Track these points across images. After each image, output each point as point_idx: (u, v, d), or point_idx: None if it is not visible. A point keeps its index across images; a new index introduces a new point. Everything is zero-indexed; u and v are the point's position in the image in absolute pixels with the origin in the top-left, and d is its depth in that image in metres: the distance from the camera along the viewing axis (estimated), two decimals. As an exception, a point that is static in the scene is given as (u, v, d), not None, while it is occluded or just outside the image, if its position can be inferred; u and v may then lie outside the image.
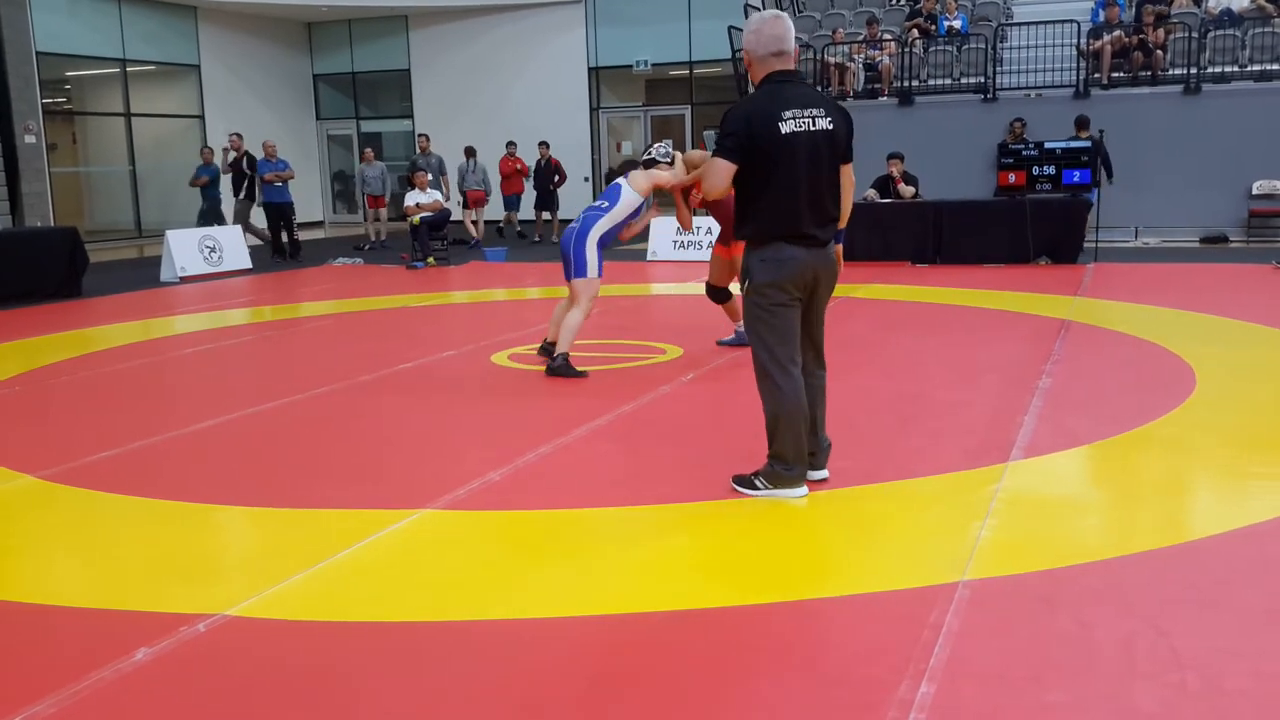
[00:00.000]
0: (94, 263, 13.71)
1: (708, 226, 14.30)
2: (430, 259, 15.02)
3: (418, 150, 17.98)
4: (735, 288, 7.74)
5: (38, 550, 4.39)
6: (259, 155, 16.74)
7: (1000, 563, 3.86)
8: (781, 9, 19.46)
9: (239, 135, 17.19)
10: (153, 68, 21.66)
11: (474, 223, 18.29)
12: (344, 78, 24.86)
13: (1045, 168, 13.09)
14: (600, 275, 7.26)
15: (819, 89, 17.09)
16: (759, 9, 18.85)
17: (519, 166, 18.70)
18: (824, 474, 4.75)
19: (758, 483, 4.63)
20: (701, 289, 7.93)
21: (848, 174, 4.52)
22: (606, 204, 7.31)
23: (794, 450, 4.54)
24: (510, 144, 18.92)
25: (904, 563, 3.97)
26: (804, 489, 4.60)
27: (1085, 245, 13.04)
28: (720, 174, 4.37)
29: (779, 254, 4.38)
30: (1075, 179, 13.02)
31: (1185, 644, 3.19)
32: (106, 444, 5.83)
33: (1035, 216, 12.85)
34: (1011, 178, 13.21)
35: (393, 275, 14.24)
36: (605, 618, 3.52)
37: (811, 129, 4.33)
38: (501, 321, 10.22)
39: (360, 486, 5.02)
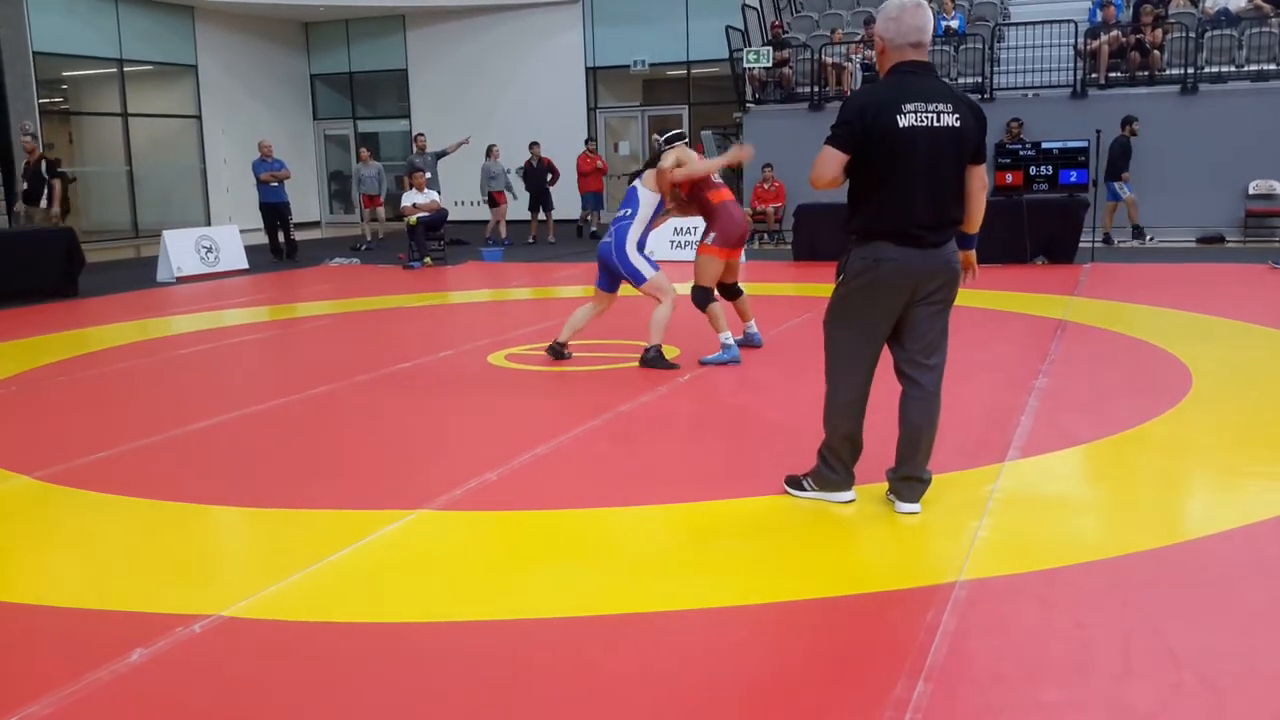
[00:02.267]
0: (90, 263, 13.69)
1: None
2: (427, 259, 15.02)
3: (415, 150, 17.93)
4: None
5: (33, 551, 4.38)
6: (256, 155, 16.69)
7: (997, 562, 3.86)
8: (778, 8, 19.48)
9: (32, 137, 15.57)
10: (150, 68, 21.65)
11: (497, 223, 18.19)
12: (341, 77, 24.85)
13: (1042, 168, 13.11)
14: (657, 270, 7.42)
15: (816, 89, 17.17)
16: (756, 10, 18.86)
17: (599, 164, 18.75)
18: (915, 508, 4.35)
19: (805, 484, 4.57)
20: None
21: (978, 175, 4.25)
22: (630, 211, 7.39)
23: (833, 452, 4.44)
24: (589, 141, 18.97)
25: (901, 562, 3.97)
26: (850, 494, 4.49)
27: (1081, 245, 13.06)
28: (828, 163, 4.09)
29: (879, 254, 4.12)
30: (1072, 179, 13.05)
31: (1182, 644, 3.19)
32: (103, 444, 5.82)
33: (1032, 216, 12.85)
34: (1009, 178, 13.22)
35: (389, 275, 14.23)
36: (602, 618, 3.51)
37: (934, 124, 4.05)
38: (498, 322, 10.22)
39: (356, 487, 5.01)
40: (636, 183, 7.46)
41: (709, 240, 7.50)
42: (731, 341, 7.48)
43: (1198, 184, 15.17)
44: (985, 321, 9.05)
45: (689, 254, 14.27)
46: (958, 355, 7.58)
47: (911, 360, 4.28)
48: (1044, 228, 12.92)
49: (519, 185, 18.38)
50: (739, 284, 7.87)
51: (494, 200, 18.07)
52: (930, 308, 4.20)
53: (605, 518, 4.49)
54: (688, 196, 7.61)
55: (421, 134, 18.73)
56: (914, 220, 4.09)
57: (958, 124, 4.10)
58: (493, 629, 3.46)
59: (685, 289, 7.60)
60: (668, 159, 7.32)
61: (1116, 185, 14.76)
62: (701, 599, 3.63)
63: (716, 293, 7.61)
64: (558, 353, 7.71)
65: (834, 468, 4.47)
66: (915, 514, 4.34)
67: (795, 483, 4.62)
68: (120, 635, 3.42)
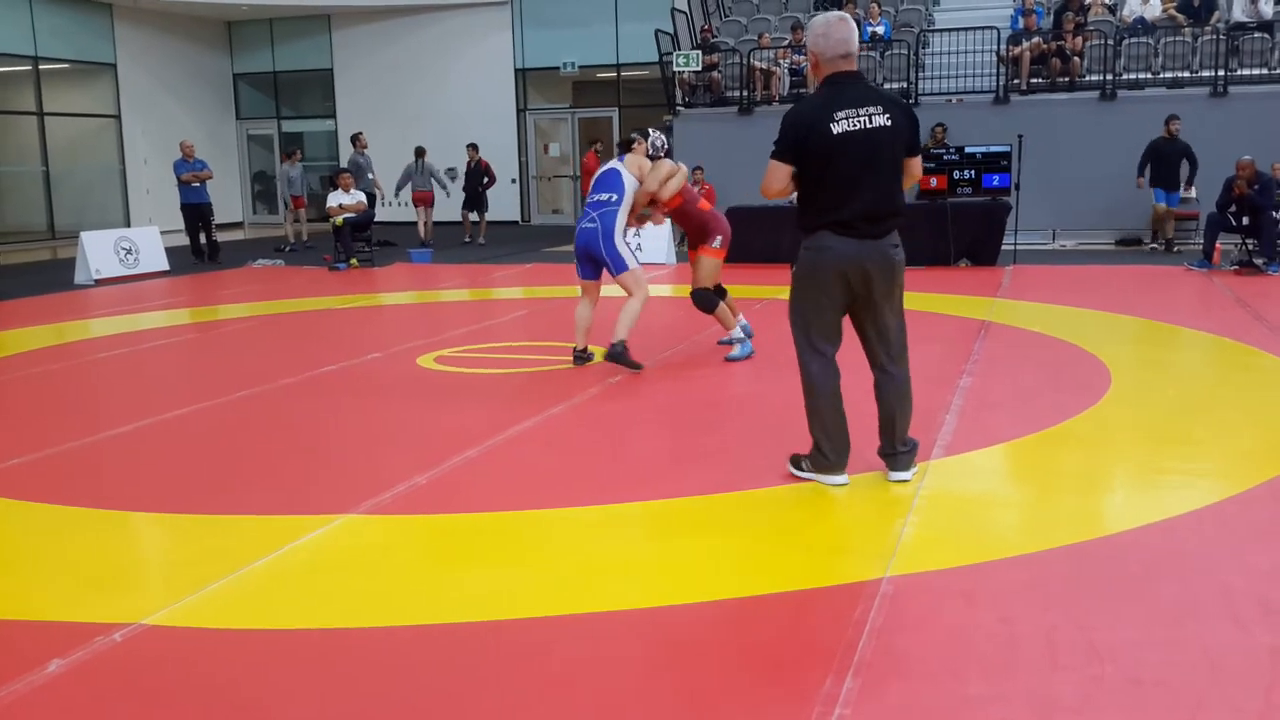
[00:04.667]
0: (5, 265, 13.34)
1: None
2: (353, 260, 14.84)
3: (355, 148, 17.69)
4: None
5: (-56, 560, 4.25)
6: (177, 155, 16.39)
7: (923, 559, 3.91)
8: (707, 12, 19.58)
9: None
10: (67, 66, 21.14)
11: (425, 224, 18.05)
12: (265, 77, 24.48)
13: (966, 172, 13.32)
14: (640, 265, 7.34)
15: (745, 93, 17.29)
16: (685, 14, 18.93)
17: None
18: (905, 475, 4.76)
19: (803, 464, 4.78)
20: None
21: (915, 165, 4.66)
22: (615, 196, 7.22)
23: (823, 434, 4.68)
24: (595, 142, 18.85)
25: (829, 560, 4.00)
26: (843, 477, 4.71)
27: (1004, 247, 13.29)
28: (776, 176, 4.53)
29: (820, 243, 4.53)
30: (995, 183, 13.27)
31: (1103, 637, 3.26)
32: (19, 450, 5.66)
33: (956, 219, 13.05)
34: (933, 182, 13.41)
35: (315, 277, 14.04)
36: (533, 620, 3.50)
37: (868, 126, 4.44)
38: (427, 324, 10.13)
39: (281, 492, 4.94)
40: (618, 167, 7.33)
41: (715, 244, 7.67)
42: (743, 335, 7.60)
43: (1117, 188, 15.48)
44: (911, 322, 9.09)
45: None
46: (884, 356, 7.71)
47: (874, 352, 4.78)
48: (967, 231, 13.13)
49: (450, 182, 18.40)
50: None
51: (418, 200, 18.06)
52: (875, 294, 4.61)
53: (536, 520, 4.47)
54: (675, 210, 7.63)
55: (361, 132, 18.37)
56: (851, 212, 4.47)
57: (889, 123, 4.48)
58: (420, 634, 3.42)
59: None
60: (662, 168, 7.30)
61: (1168, 191, 14.45)
62: (632, 600, 3.63)
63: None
64: (582, 358, 7.48)
65: (825, 452, 4.70)
66: (905, 480, 4.71)
67: (795, 462, 4.83)
68: (37, 645, 3.33)
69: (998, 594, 3.60)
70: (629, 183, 7.27)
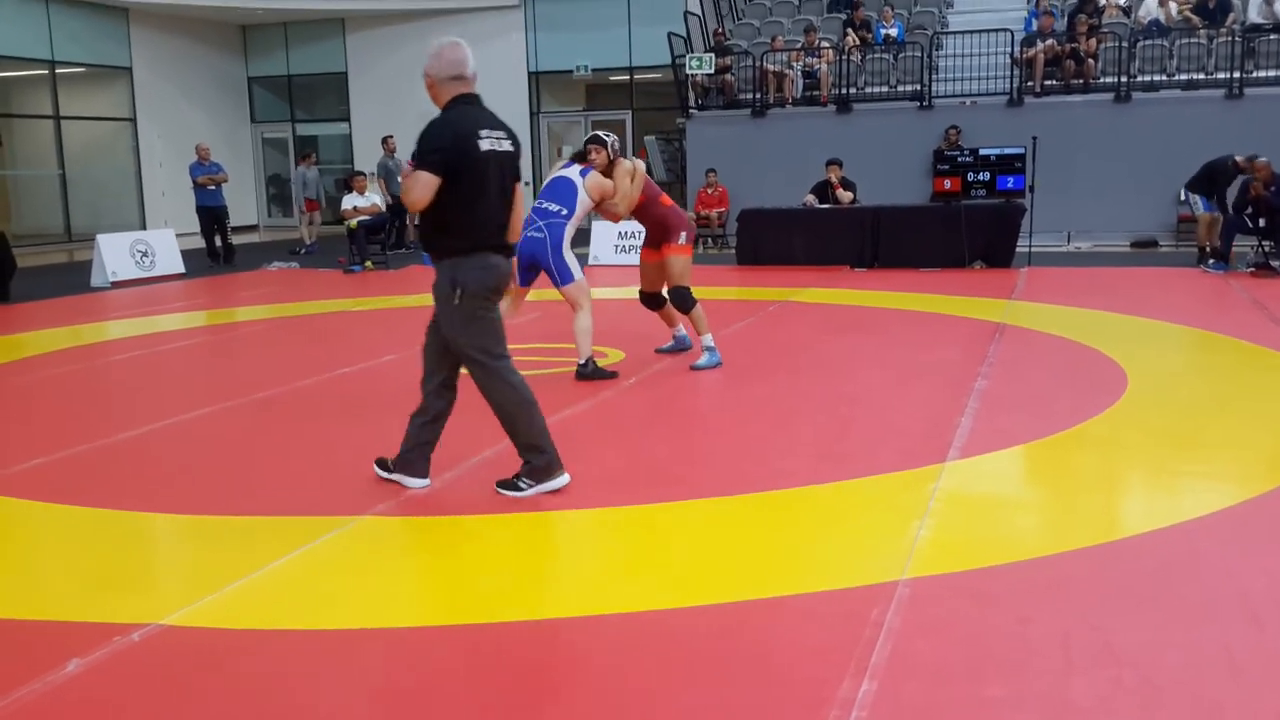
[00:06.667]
0: (22, 267, 13.41)
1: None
2: (368, 263, 14.88)
3: (385, 152, 17.75)
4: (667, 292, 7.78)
5: (-36, 561, 4.27)
6: (193, 158, 16.45)
7: (939, 561, 3.90)
8: (720, 15, 19.59)
9: None
10: (82, 70, 21.24)
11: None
12: (279, 80, 24.55)
13: (980, 174, 13.29)
14: (582, 274, 7.22)
15: (758, 96, 17.29)
16: (699, 16, 18.94)
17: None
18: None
19: (521, 484, 4.71)
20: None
21: (520, 191, 4.81)
22: (565, 210, 7.09)
23: (543, 437, 4.71)
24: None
25: (845, 562, 4.00)
26: (566, 476, 4.73)
27: (1018, 249, 13.25)
28: (426, 187, 4.46)
29: (486, 262, 4.62)
30: (1009, 185, 13.24)
31: (1120, 639, 3.25)
32: (37, 451, 5.70)
33: (970, 222, 13.03)
34: (947, 184, 13.39)
35: (330, 279, 14.08)
36: (548, 622, 3.50)
37: (498, 149, 4.63)
38: (441, 326, 10.13)
39: (297, 493, 4.95)
40: (576, 180, 7.18)
41: (681, 240, 7.52)
42: (714, 344, 7.51)
43: (1131, 190, 15.46)
44: (925, 325, 9.15)
45: (634, 258, 14.31)
46: (899, 358, 7.71)
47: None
48: (982, 233, 13.10)
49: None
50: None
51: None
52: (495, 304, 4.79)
53: (549, 521, 4.48)
54: (636, 208, 7.54)
55: (391, 135, 18.39)
56: (499, 232, 4.68)
57: (511, 149, 4.73)
58: (437, 634, 3.43)
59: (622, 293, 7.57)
60: (624, 168, 7.26)
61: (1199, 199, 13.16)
62: (648, 601, 3.63)
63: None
64: None
65: (550, 456, 4.71)
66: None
67: (511, 486, 4.73)
68: (56, 645, 3.35)
69: (1014, 596, 3.60)
70: (583, 200, 7.13)
